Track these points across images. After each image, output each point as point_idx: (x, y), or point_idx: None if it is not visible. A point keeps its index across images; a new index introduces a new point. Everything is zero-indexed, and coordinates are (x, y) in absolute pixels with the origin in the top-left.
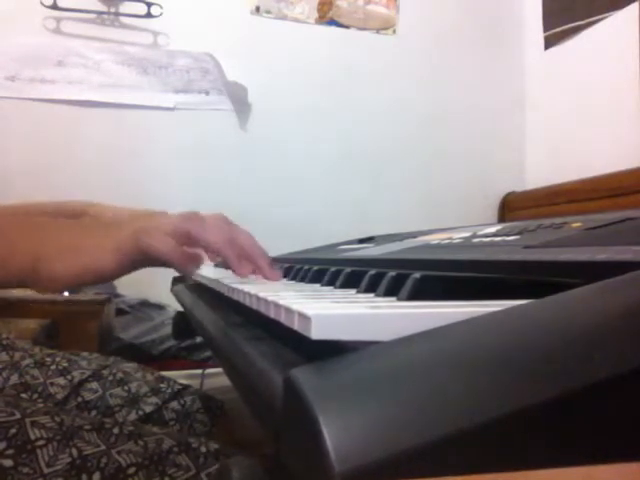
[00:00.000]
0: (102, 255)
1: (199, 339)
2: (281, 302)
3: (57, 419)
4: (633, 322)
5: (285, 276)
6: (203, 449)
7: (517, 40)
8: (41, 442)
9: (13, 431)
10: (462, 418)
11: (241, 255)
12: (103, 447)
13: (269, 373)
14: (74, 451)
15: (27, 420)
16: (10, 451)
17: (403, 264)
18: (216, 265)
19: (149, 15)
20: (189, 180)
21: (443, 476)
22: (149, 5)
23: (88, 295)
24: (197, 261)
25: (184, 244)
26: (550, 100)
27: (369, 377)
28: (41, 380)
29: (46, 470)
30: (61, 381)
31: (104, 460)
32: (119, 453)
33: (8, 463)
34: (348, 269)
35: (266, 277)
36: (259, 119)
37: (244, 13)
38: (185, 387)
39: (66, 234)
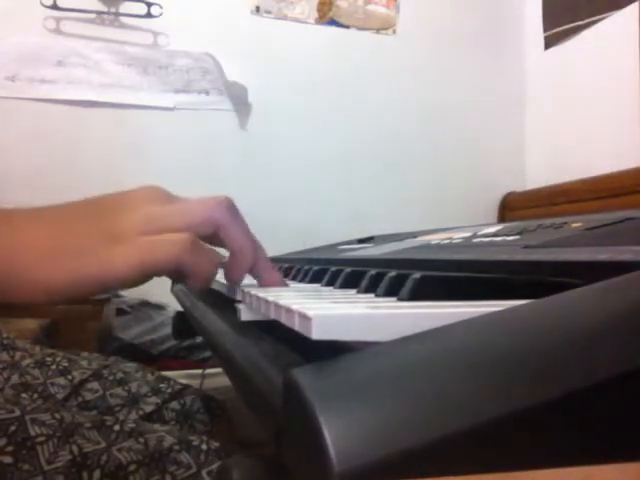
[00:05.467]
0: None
1: (199, 339)
2: (281, 302)
3: (57, 416)
4: (633, 322)
5: (285, 276)
6: (204, 447)
7: (517, 40)
8: (41, 439)
9: (13, 428)
10: (462, 418)
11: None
12: (104, 444)
13: (269, 373)
14: (74, 448)
15: (27, 417)
16: (10, 448)
17: (403, 264)
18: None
19: (149, 15)
20: (189, 180)
21: (443, 476)
22: (149, 5)
23: None
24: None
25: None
26: (550, 100)
27: (369, 377)
28: (41, 380)
29: (46, 467)
30: (61, 381)
31: (104, 457)
32: (119, 450)
33: (8, 460)
34: (348, 269)
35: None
36: (259, 119)
37: (244, 13)
38: (185, 387)
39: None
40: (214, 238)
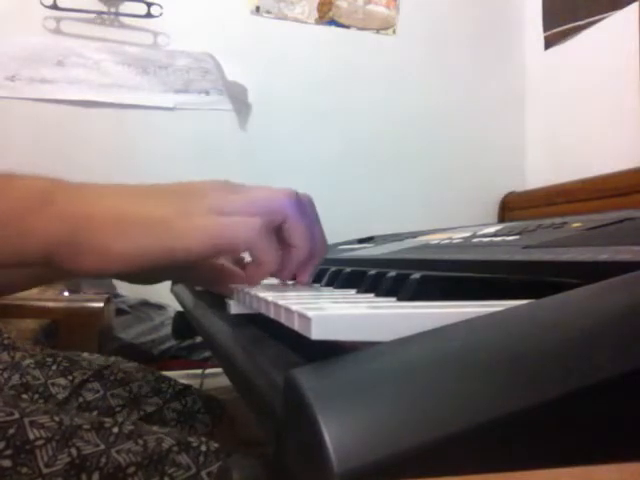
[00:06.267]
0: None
1: (199, 339)
2: (281, 302)
3: (56, 419)
4: (633, 322)
5: None
6: (203, 448)
7: (517, 40)
8: (40, 442)
9: (12, 431)
10: (462, 418)
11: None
12: (102, 447)
13: (269, 373)
14: (73, 451)
15: (26, 420)
16: (9, 451)
17: (403, 264)
18: None
19: (149, 15)
20: (189, 180)
21: (443, 476)
22: (149, 5)
23: (88, 295)
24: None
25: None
26: (550, 100)
27: (369, 377)
28: (42, 380)
29: (45, 470)
30: (62, 381)
31: (103, 460)
32: (118, 452)
33: (7, 463)
34: (348, 269)
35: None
36: (259, 119)
37: (244, 13)
38: (186, 387)
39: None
40: (277, 230)
